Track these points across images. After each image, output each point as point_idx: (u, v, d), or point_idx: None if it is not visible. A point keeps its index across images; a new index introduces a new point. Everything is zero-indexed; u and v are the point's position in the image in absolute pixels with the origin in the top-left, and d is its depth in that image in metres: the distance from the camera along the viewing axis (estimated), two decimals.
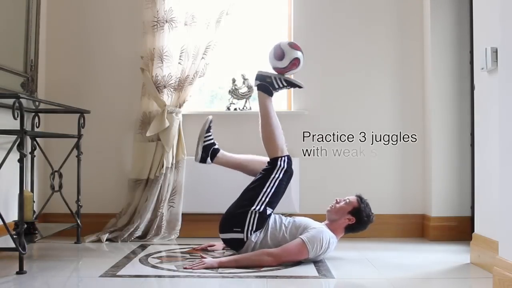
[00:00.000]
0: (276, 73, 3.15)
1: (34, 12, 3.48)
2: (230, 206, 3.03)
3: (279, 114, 3.78)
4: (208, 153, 3.16)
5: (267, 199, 2.96)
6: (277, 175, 2.99)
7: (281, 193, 3.03)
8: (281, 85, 3.16)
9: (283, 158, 3.03)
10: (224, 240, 3.05)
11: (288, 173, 3.05)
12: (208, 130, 3.18)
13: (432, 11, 3.68)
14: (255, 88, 3.22)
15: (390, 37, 3.84)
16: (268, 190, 2.97)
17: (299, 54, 3.11)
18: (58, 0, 3.84)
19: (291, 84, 3.19)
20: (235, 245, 2.96)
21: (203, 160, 3.19)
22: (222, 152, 3.20)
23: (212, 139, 3.20)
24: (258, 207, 2.94)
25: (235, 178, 3.30)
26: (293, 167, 3.21)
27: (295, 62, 3.10)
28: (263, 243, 2.91)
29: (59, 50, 3.84)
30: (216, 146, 3.20)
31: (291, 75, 3.23)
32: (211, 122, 3.21)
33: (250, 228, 2.91)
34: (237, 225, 2.93)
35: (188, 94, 3.66)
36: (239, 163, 3.21)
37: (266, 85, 3.14)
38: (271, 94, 3.15)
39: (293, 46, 3.14)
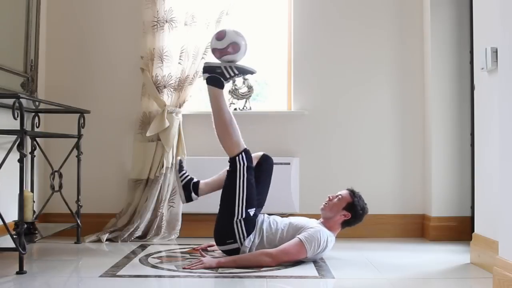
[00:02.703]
0: (219, 61, 3.01)
1: (34, 12, 3.48)
2: (216, 220, 2.99)
3: (279, 114, 3.82)
4: (190, 190, 3.11)
5: (244, 203, 2.90)
6: (241, 175, 2.91)
7: (254, 189, 2.96)
8: (232, 74, 3.00)
9: (240, 155, 2.94)
10: (222, 251, 3.03)
11: (251, 167, 2.96)
12: (180, 170, 3.14)
13: (432, 11, 3.68)
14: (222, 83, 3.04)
15: (390, 37, 3.84)
16: (241, 195, 2.90)
17: (240, 40, 2.98)
18: (58, 0, 3.84)
19: (242, 71, 3.04)
20: (233, 254, 2.93)
21: (189, 199, 3.13)
22: (202, 182, 3.14)
23: (187, 176, 3.14)
24: (240, 215, 2.89)
25: None
26: (293, 166, 3.20)
27: (234, 46, 2.95)
28: (259, 247, 2.90)
29: (59, 50, 3.84)
30: (195, 180, 3.14)
31: (237, 61, 3.04)
32: (181, 162, 3.18)
33: (241, 235, 2.89)
34: (228, 237, 2.91)
35: (188, 94, 3.67)
36: (221, 180, 3.11)
37: (216, 77, 2.99)
38: (222, 86, 2.99)
39: (238, 32, 3.02)
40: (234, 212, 2.90)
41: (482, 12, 2.83)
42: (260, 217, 3.01)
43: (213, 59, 3.08)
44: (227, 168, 3.02)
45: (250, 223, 2.92)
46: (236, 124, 2.99)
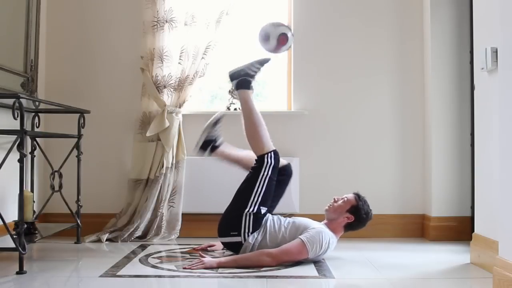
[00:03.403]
0: (273, 53, 3.15)
1: (34, 12, 3.48)
2: (225, 210, 3.02)
3: (279, 114, 3.82)
4: (209, 145, 3.21)
5: (259, 199, 2.94)
6: (265, 173, 2.97)
7: (273, 190, 3.01)
8: (256, 70, 3.15)
9: (269, 154, 3.00)
10: (223, 244, 3.05)
11: (277, 168, 3.02)
12: (216, 124, 3.23)
13: (432, 11, 3.68)
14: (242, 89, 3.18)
15: (390, 37, 3.84)
16: (259, 189, 2.95)
17: (282, 29, 3.09)
18: (58, 0, 3.84)
19: (263, 63, 3.17)
20: (233, 248, 2.96)
21: (202, 151, 3.22)
22: (222, 148, 3.24)
23: (217, 134, 3.23)
24: (252, 208, 2.93)
25: (235, 177, 3.27)
26: (293, 167, 3.20)
27: (283, 38, 3.08)
28: (262, 244, 2.90)
29: (59, 50, 3.84)
30: (218, 142, 3.23)
31: (280, 52, 3.18)
32: (220, 118, 3.25)
33: (246, 230, 2.91)
34: (233, 229, 2.92)
35: (188, 94, 3.67)
36: (237, 157, 3.23)
37: (243, 79, 3.12)
38: (250, 86, 3.14)
39: (275, 24, 3.11)
40: (247, 204, 2.93)
41: (482, 12, 2.83)
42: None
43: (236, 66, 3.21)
44: (250, 150, 3.10)
45: (258, 221, 2.93)
46: (265, 125, 3.08)
